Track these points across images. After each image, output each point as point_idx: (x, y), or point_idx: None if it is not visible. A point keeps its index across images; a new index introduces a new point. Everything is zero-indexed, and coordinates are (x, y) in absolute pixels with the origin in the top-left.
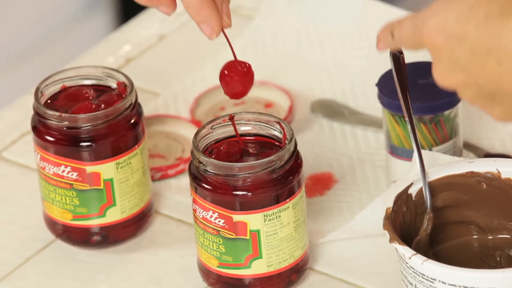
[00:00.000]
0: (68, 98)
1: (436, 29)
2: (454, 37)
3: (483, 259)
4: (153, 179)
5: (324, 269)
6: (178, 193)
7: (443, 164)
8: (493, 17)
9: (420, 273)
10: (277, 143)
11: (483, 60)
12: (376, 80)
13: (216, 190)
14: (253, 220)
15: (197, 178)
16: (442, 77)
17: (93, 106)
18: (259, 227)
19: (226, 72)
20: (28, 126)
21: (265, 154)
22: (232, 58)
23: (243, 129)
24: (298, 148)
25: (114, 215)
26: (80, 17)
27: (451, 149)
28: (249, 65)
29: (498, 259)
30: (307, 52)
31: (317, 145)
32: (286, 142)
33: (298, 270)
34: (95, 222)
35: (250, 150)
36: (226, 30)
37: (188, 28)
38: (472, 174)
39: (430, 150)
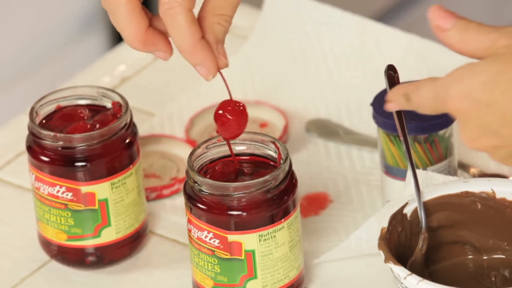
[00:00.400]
0: (63, 118)
1: (461, 96)
2: (483, 103)
3: (478, 279)
4: (148, 199)
5: None
6: (173, 213)
7: (438, 184)
8: None
9: None
10: (272, 163)
11: None
12: (371, 100)
13: (211, 210)
14: (248, 240)
15: (192, 198)
16: (472, 141)
17: (88, 126)
18: (254, 247)
19: (221, 112)
20: (22, 146)
21: (260, 173)
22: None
23: (238, 148)
24: (293, 167)
25: (109, 236)
26: (75, 37)
27: (446, 169)
28: (243, 105)
29: (493, 279)
30: (302, 72)
31: (312, 165)
32: (281, 161)
33: None
34: (90, 243)
35: (245, 170)
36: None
37: None
38: (467, 194)
39: (425, 169)
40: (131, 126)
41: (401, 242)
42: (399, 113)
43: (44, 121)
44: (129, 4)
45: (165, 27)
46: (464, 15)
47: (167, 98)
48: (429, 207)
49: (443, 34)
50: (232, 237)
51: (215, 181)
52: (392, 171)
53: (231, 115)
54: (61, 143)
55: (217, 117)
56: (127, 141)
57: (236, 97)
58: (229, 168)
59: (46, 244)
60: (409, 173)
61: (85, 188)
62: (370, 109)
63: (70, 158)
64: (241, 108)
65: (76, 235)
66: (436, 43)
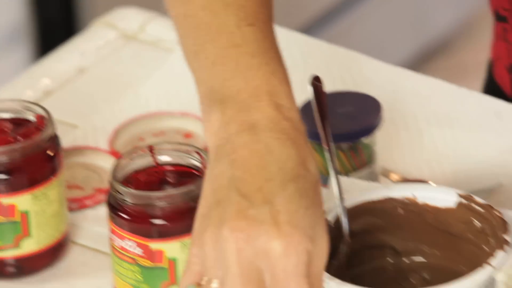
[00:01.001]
0: None
1: None
2: None
3: (400, 282)
4: (71, 210)
5: None
6: (95, 224)
7: (361, 190)
8: None
9: None
10: (196, 173)
11: None
12: None
13: (134, 219)
14: (170, 248)
15: (115, 208)
16: None
17: (11, 139)
18: (177, 255)
19: None
20: None
21: (184, 183)
22: None
23: (162, 158)
24: None
25: (29, 246)
26: None
27: (369, 175)
28: None
29: (414, 282)
30: None
31: None
32: (205, 171)
33: None
34: (9, 254)
35: (169, 180)
36: None
37: (107, 61)
38: (389, 200)
39: (348, 176)
40: (54, 139)
41: None
42: (323, 121)
43: None
44: None
45: None
46: (386, 26)
47: (91, 111)
48: (352, 213)
49: None
50: (155, 245)
51: (138, 191)
52: None
53: None
54: None
55: None
56: (50, 153)
57: (162, 108)
58: (153, 178)
59: None
60: (332, 180)
61: (6, 200)
62: None
63: None
64: None
65: None
66: (360, 54)
